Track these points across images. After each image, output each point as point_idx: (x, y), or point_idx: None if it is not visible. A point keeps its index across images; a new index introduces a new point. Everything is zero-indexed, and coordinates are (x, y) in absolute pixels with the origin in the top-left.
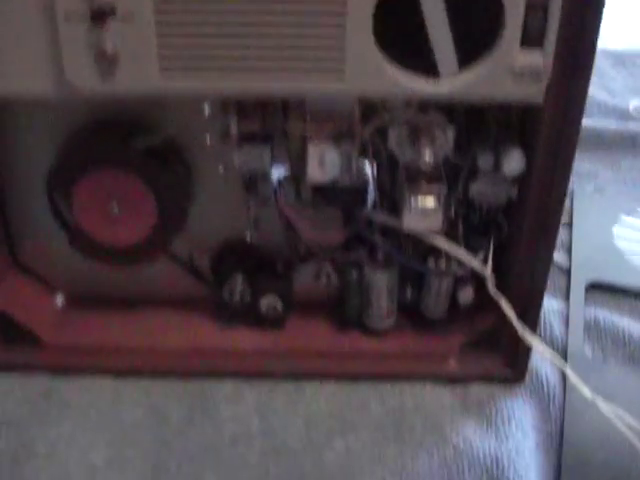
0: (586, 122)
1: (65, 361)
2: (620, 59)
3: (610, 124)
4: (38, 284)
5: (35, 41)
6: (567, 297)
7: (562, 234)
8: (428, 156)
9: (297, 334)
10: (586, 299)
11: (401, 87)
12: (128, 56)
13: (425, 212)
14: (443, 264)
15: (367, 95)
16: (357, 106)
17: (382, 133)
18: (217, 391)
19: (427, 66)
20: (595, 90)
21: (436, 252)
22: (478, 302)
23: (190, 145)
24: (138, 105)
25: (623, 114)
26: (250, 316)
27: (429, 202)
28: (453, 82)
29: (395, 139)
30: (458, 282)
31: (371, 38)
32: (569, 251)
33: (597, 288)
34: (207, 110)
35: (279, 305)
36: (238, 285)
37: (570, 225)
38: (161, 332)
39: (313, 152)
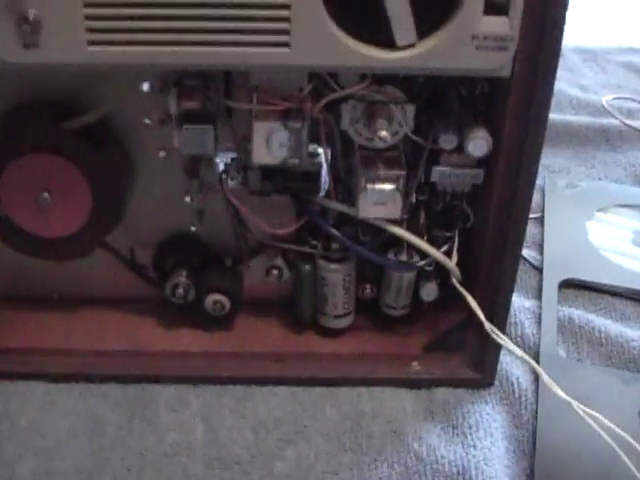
0: (558, 117)
1: None
2: (592, 55)
3: (583, 119)
4: None
5: None
6: (539, 295)
7: (534, 230)
8: (385, 136)
9: (246, 334)
10: (559, 297)
11: (354, 57)
12: (53, 24)
13: (382, 199)
14: (404, 257)
15: (316, 67)
16: (307, 81)
17: (336, 112)
18: (158, 396)
19: (383, 36)
20: (567, 86)
21: (397, 244)
22: (442, 299)
23: (128, 127)
24: (70, 84)
25: (596, 110)
26: (195, 315)
27: (386, 188)
28: (411, 52)
29: (348, 117)
30: (421, 277)
31: (319, 3)
32: (541, 248)
33: (571, 286)
34: (145, 88)
35: (226, 303)
36: (182, 281)
37: (542, 221)
38: (99, 333)
39: (259, 131)
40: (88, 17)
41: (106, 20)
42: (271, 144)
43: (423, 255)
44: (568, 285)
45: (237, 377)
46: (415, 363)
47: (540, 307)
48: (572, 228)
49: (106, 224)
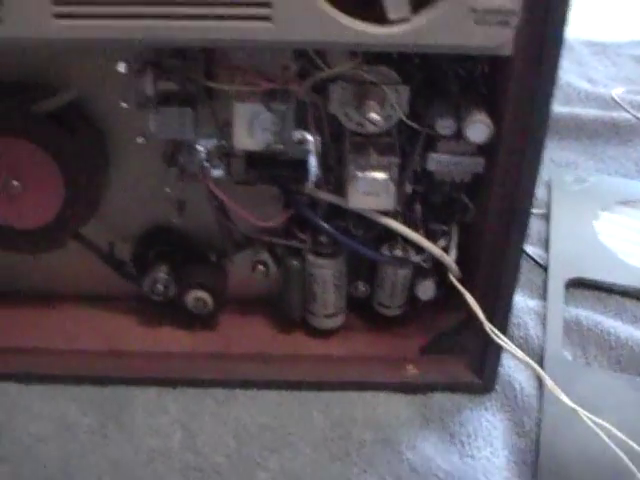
0: (566, 110)
1: None
2: (602, 48)
3: (592, 113)
4: None
5: None
6: (544, 295)
7: (539, 227)
8: (375, 119)
9: (230, 334)
10: (566, 297)
11: (342, 33)
12: None
13: (373, 188)
14: (399, 252)
15: (301, 43)
16: (292, 60)
17: (324, 94)
18: (135, 399)
19: (373, 10)
20: (576, 79)
21: (391, 239)
22: (440, 298)
23: (103, 111)
24: (39, 63)
25: (605, 103)
26: (176, 313)
27: (378, 176)
28: (404, 27)
29: (337, 100)
30: (417, 274)
31: None
32: (546, 245)
33: (578, 285)
34: (121, 68)
35: (209, 300)
36: (161, 277)
37: (548, 217)
38: (73, 331)
39: (240, 113)
40: None
41: None
42: (253, 128)
43: (419, 250)
44: (575, 284)
45: (219, 380)
46: (410, 366)
47: (545, 307)
48: (580, 225)
49: (80, 215)
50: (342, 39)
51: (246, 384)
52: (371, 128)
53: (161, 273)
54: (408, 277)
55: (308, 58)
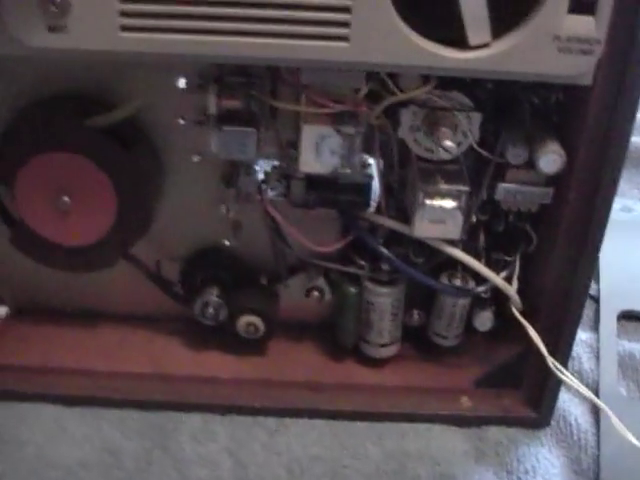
0: None
1: (3, 383)
2: None
3: (636, 140)
4: None
5: None
6: (596, 327)
7: None
8: (450, 146)
9: (280, 360)
10: (618, 330)
11: (421, 56)
12: (83, 4)
13: (441, 217)
14: (458, 281)
15: (378, 65)
16: (364, 82)
17: (392, 118)
18: (182, 426)
19: (452, 34)
20: None
21: (450, 267)
22: (497, 328)
23: (160, 127)
24: (96, 76)
25: None
26: (225, 337)
27: (447, 205)
28: (485, 53)
29: (408, 125)
30: (475, 304)
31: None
32: (597, 276)
33: (630, 318)
34: (181, 84)
35: (261, 325)
36: (213, 300)
37: None
38: (117, 353)
39: (308, 135)
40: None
41: (142, 2)
42: (321, 151)
43: (479, 280)
44: (628, 317)
45: (270, 408)
46: (465, 398)
47: (598, 340)
48: (630, 255)
49: (132, 233)
50: (420, 63)
51: (297, 413)
52: (444, 155)
53: (212, 296)
54: (467, 307)
55: (379, 80)
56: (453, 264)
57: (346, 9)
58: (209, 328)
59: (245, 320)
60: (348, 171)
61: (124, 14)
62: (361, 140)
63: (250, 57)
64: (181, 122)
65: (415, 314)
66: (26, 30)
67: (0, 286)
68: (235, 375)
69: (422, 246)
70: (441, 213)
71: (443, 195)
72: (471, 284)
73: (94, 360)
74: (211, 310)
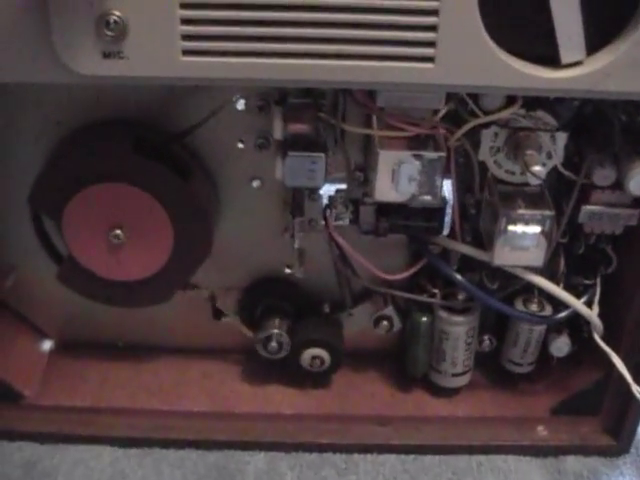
0: None
1: (52, 425)
2: None
3: None
4: (21, 327)
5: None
6: None
7: None
8: (539, 171)
9: (345, 393)
10: None
11: (511, 76)
12: (141, 28)
13: (525, 244)
14: (534, 306)
15: (465, 86)
16: (443, 102)
17: (472, 140)
18: (247, 467)
19: (543, 51)
20: None
21: (524, 289)
22: (574, 354)
23: (216, 151)
24: (148, 99)
25: None
26: (287, 370)
27: (531, 231)
28: (579, 71)
29: (489, 146)
30: (551, 329)
31: (474, 11)
32: None
33: None
34: (240, 106)
35: (327, 358)
36: (275, 334)
37: None
38: (174, 390)
39: (384, 163)
40: (185, 20)
41: (207, 25)
42: (398, 178)
43: (555, 303)
44: None
45: (337, 444)
46: (541, 427)
47: None
48: None
49: (189, 266)
50: (511, 84)
51: (365, 448)
52: (532, 180)
53: (275, 329)
54: (543, 333)
55: (459, 100)
56: (528, 287)
57: (432, 28)
58: (269, 360)
59: (310, 353)
60: (427, 198)
61: (186, 37)
62: (442, 165)
63: (325, 81)
64: (240, 146)
65: (486, 339)
66: (79, 57)
67: (44, 318)
68: (299, 410)
69: (496, 271)
70: (524, 240)
71: (526, 220)
72: (548, 308)
73: (149, 398)
74: (274, 344)
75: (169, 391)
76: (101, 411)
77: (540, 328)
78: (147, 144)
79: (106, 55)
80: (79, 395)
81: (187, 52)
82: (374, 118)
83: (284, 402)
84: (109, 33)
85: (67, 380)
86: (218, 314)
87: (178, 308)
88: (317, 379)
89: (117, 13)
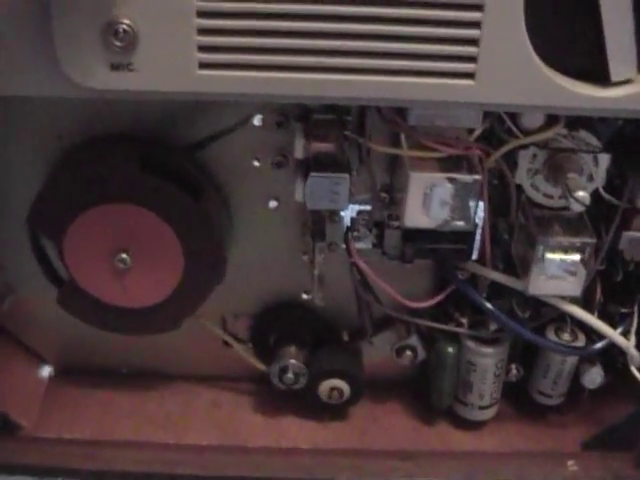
0: None
1: (52, 459)
2: None
3: None
4: (18, 352)
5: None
6: None
7: None
8: (584, 197)
9: (365, 427)
10: None
11: (558, 94)
12: (153, 38)
13: (562, 272)
14: (566, 335)
15: (506, 105)
16: (479, 121)
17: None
18: None
19: (591, 67)
20: None
21: (557, 320)
22: (607, 385)
23: (230, 170)
24: (158, 112)
25: None
26: (304, 401)
27: (570, 259)
28: (630, 90)
29: (526, 167)
30: (583, 360)
31: (520, 23)
32: None
33: None
34: (257, 122)
35: (346, 390)
36: (292, 364)
37: None
38: (181, 421)
39: (416, 186)
40: (202, 30)
41: (226, 35)
42: (430, 202)
43: (588, 331)
44: None
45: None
46: (572, 462)
47: None
48: None
49: (200, 293)
50: (557, 102)
51: None
52: (575, 207)
53: (292, 359)
54: (575, 364)
55: (497, 118)
56: (560, 315)
57: (473, 41)
58: (287, 393)
59: (329, 384)
60: (459, 224)
61: (203, 49)
62: (477, 189)
63: (354, 97)
64: (256, 164)
65: (513, 369)
66: (84, 69)
67: (42, 343)
68: (316, 445)
69: (528, 299)
70: (562, 268)
71: (565, 248)
72: (581, 337)
73: (155, 430)
74: (290, 375)
75: (176, 422)
76: (103, 444)
77: (573, 359)
78: (155, 161)
79: (114, 67)
80: (80, 426)
81: (204, 65)
82: (402, 137)
83: (300, 435)
84: (118, 43)
85: (67, 410)
86: (232, 341)
87: (187, 333)
88: (335, 411)
89: (126, 21)
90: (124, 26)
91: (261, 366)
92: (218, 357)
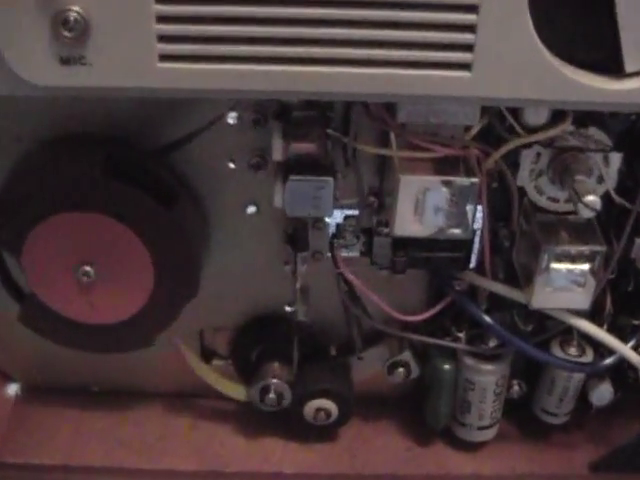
0: None
1: None
2: None
3: None
4: None
5: None
6: None
7: None
8: (594, 201)
9: (354, 449)
10: None
11: (566, 87)
12: (107, 28)
13: (570, 284)
14: (574, 349)
15: (507, 100)
16: (477, 117)
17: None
18: None
19: (603, 59)
20: None
21: (564, 332)
22: (616, 402)
23: (203, 173)
24: (123, 110)
25: None
26: (291, 423)
27: (578, 269)
28: None
29: (528, 169)
30: (591, 376)
31: (523, 7)
32: None
33: None
34: (232, 120)
35: (334, 410)
36: (274, 383)
37: None
38: (156, 444)
39: (406, 191)
40: (162, 18)
41: (190, 23)
42: (423, 209)
43: (595, 345)
44: None
45: None
46: None
47: None
48: None
49: (173, 307)
50: (565, 96)
51: None
52: (584, 213)
53: (274, 379)
54: (582, 380)
55: (496, 114)
56: (568, 329)
57: (469, 27)
58: (270, 414)
59: (315, 405)
60: (456, 232)
61: (164, 38)
62: (475, 192)
63: (336, 93)
64: (231, 166)
65: (515, 385)
66: (31, 64)
67: (7, 360)
68: (302, 469)
69: (531, 311)
70: (570, 279)
71: (572, 257)
72: (589, 352)
73: (128, 455)
74: (272, 395)
75: (151, 446)
76: (73, 470)
77: (580, 375)
78: (122, 165)
79: (65, 61)
80: (48, 451)
81: (165, 57)
82: (392, 135)
83: (285, 459)
84: (67, 34)
85: (34, 433)
86: (208, 356)
87: (163, 348)
88: (323, 432)
89: (76, 9)
90: (74, 14)
91: (236, 394)
92: (197, 374)
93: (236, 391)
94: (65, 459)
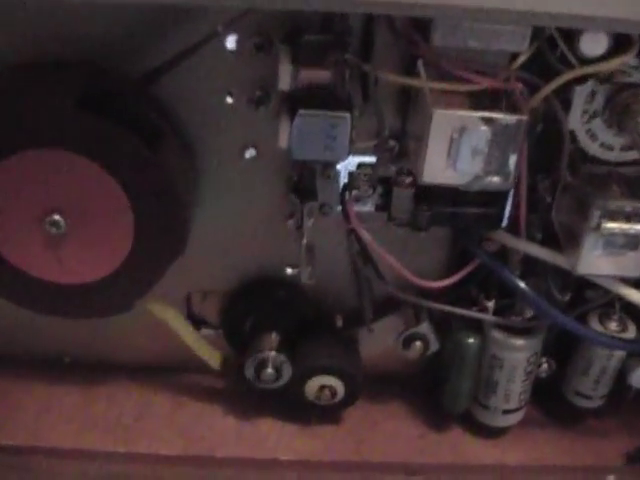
0: None
1: None
2: None
3: None
4: None
5: None
6: None
7: None
8: None
9: (361, 434)
10: None
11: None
12: None
13: (622, 247)
14: (614, 324)
15: (568, 16)
16: (525, 45)
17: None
18: None
19: None
20: None
21: (602, 306)
22: None
23: (196, 110)
24: (100, 33)
25: None
26: (290, 404)
27: (633, 229)
28: None
29: (580, 109)
30: (632, 354)
31: None
32: None
33: None
34: (230, 44)
35: (339, 388)
36: (272, 357)
37: None
38: (135, 425)
39: (440, 128)
40: None
41: None
42: (458, 151)
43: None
44: None
45: None
46: (612, 477)
47: None
48: None
49: (156, 266)
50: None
51: None
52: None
53: (272, 351)
54: (622, 360)
55: (548, 41)
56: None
57: None
58: (267, 393)
59: (318, 382)
60: (495, 180)
61: None
62: (522, 133)
63: (356, 3)
64: (229, 101)
65: (544, 363)
66: None
67: None
68: (302, 456)
69: (566, 276)
70: (623, 241)
71: (627, 215)
72: (631, 328)
73: (103, 436)
74: (270, 371)
75: (128, 426)
76: (39, 452)
77: (620, 353)
78: (98, 95)
79: None
80: (10, 430)
81: None
82: (420, 64)
83: (281, 444)
84: None
85: None
86: (196, 325)
87: (142, 315)
88: (326, 414)
89: None
90: None
91: (210, 359)
92: (181, 345)
93: (212, 357)
94: (30, 440)
